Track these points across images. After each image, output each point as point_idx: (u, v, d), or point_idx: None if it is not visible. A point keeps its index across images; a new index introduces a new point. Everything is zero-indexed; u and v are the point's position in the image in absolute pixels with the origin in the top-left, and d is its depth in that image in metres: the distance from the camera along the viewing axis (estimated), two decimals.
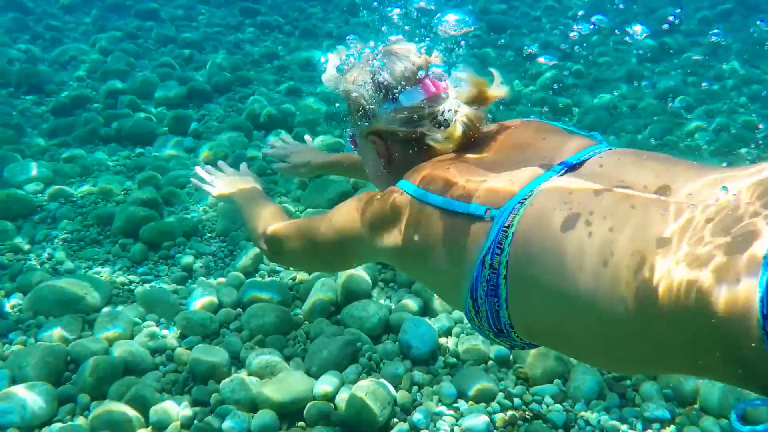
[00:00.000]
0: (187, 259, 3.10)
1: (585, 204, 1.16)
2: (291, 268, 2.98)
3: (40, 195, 3.73)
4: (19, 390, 2.19)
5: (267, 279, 2.97)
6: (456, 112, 1.52)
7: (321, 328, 2.60)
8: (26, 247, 3.22)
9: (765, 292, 0.86)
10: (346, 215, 1.56)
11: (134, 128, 4.56)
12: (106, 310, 2.70)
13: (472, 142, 1.53)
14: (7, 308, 2.74)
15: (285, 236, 1.71)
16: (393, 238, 1.45)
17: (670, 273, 0.99)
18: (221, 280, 2.95)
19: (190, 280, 3.00)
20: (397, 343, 2.53)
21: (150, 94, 5.39)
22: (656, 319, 1.02)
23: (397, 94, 1.57)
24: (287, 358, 2.46)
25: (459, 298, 1.35)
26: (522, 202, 1.24)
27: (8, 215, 3.41)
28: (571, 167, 1.30)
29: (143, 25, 7.87)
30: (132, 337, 2.56)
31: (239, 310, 2.73)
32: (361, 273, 2.84)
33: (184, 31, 7.57)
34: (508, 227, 1.23)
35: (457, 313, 2.71)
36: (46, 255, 3.16)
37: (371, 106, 1.61)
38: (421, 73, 1.57)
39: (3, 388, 2.24)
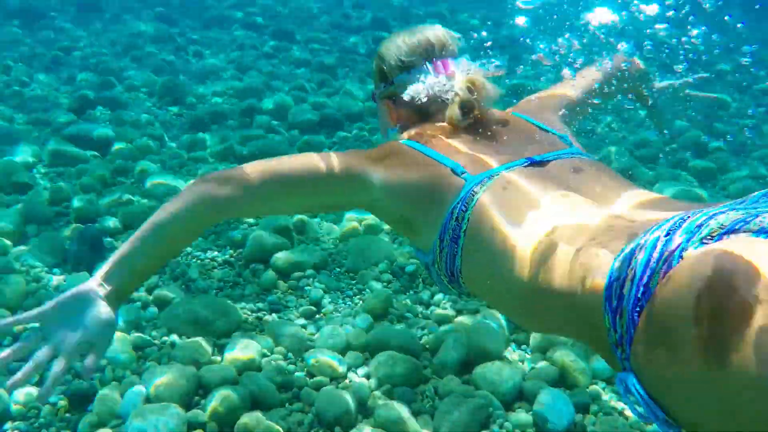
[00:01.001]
0: (316, 293, 3.12)
1: (530, 195, 1.49)
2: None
3: None
4: (154, 410, 2.24)
5: (396, 325, 2.93)
6: (456, 94, 1.81)
7: (451, 386, 2.53)
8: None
9: (607, 284, 1.15)
10: (345, 154, 1.75)
11: (267, 149, 4.67)
12: (236, 336, 2.74)
13: (469, 122, 1.81)
14: (144, 322, 2.83)
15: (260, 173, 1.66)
16: (386, 173, 1.68)
17: (563, 260, 1.30)
18: (350, 320, 2.94)
19: (318, 315, 3.01)
20: (531, 413, 2.43)
21: (284, 116, 5.54)
22: (549, 292, 1.31)
23: (411, 68, 1.92)
24: (415, 414, 2.40)
25: (431, 237, 1.64)
26: (490, 178, 1.57)
27: None
28: (534, 163, 1.63)
29: (279, 45, 8.14)
30: (260, 369, 2.57)
31: (367, 354, 2.71)
32: (493, 330, 2.76)
33: (318, 55, 7.77)
34: (475, 193, 1.55)
35: (595, 388, 2.58)
36: (180, 271, 3.25)
37: (390, 74, 1.95)
38: (437, 54, 1.91)
39: (138, 404, 2.30)
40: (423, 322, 2.98)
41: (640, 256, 1.10)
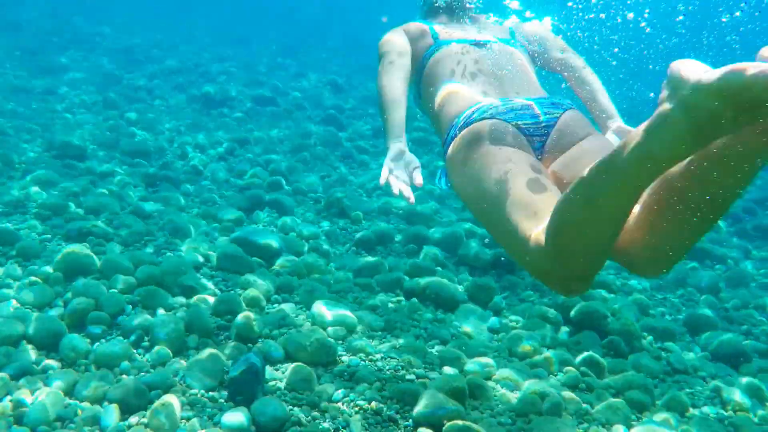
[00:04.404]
0: None
1: (463, 57, 2.83)
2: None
3: (340, 343, 3.70)
4: None
5: None
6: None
7: None
8: (323, 404, 3.14)
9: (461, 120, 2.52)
10: (403, 30, 3.12)
11: (438, 289, 4.47)
12: None
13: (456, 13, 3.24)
14: None
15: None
16: (408, 33, 3.08)
17: (453, 99, 2.69)
18: None
19: None
20: None
21: (453, 250, 5.36)
22: (443, 115, 2.70)
23: None
24: None
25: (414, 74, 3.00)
26: (448, 43, 2.94)
27: (312, 361, 3.40)
28: (477, 43, 2.93)
29: None
30: None
31: None
32: None
33: None
34: (437, 48, 2.94)
35: None
36: (341, 420, 3.04)
37: None
38: None
39: None
40: None
41: (470, 117, 2.46)
